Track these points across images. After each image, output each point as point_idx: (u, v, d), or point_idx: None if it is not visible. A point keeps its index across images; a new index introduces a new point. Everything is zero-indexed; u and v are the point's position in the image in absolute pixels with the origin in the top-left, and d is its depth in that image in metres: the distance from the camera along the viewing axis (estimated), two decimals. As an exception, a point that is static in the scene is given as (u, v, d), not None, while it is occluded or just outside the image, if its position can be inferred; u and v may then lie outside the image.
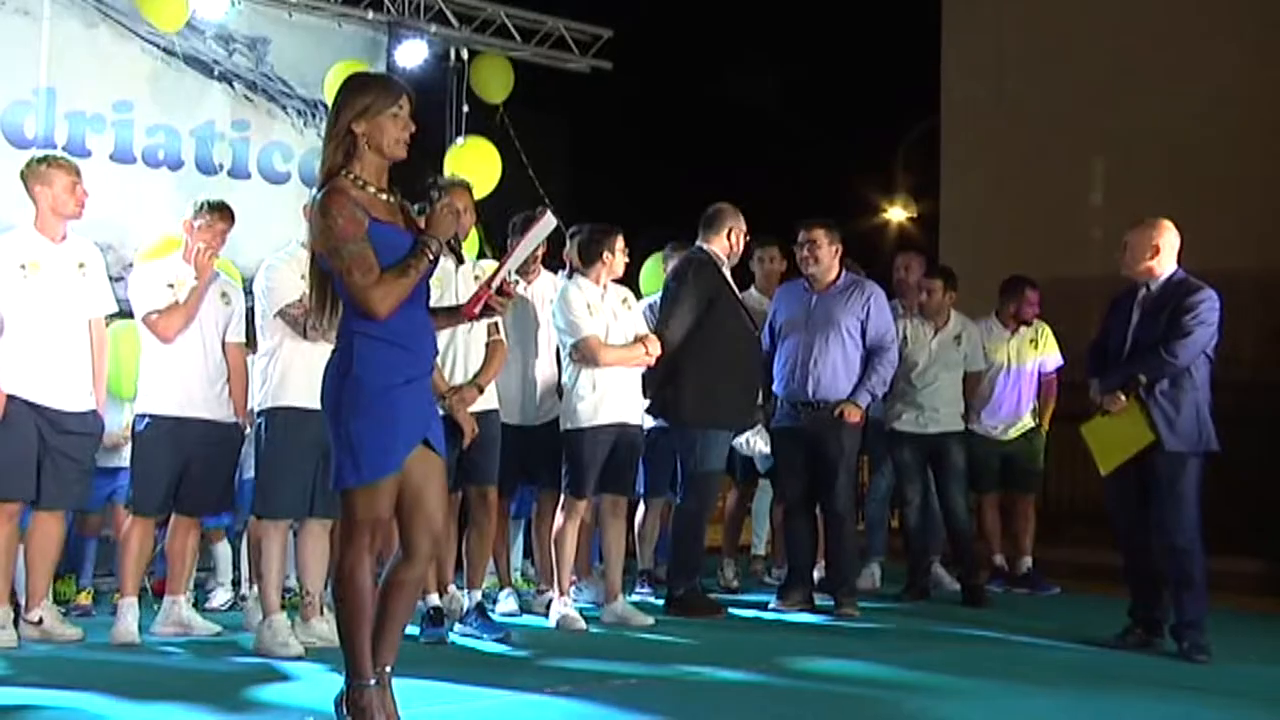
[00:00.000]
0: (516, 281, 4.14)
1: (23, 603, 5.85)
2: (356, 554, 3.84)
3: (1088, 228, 10.90)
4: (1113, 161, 11.18)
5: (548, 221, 4.47)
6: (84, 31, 8.19)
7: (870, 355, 7.13)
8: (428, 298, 4.03)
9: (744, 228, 7.10)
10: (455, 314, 4.26)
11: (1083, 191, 11.35)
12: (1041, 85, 11.42)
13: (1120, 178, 11.06)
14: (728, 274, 7.07)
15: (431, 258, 3.90)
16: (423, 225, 3.97)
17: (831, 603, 7.08)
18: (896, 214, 20.88)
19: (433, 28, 9.68)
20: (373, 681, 3.84)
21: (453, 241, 4.05)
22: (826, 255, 7.18)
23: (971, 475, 7.98)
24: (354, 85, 3.98)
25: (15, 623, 5.70)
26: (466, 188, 6.22)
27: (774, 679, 5.30)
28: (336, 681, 3.96)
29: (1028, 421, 8.34)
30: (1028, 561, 8.40)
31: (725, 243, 7.06)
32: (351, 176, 3.89)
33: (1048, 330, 8.43)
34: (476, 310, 4.05)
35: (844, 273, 7.26)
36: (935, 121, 12.97)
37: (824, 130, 17.86)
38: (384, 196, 3.94)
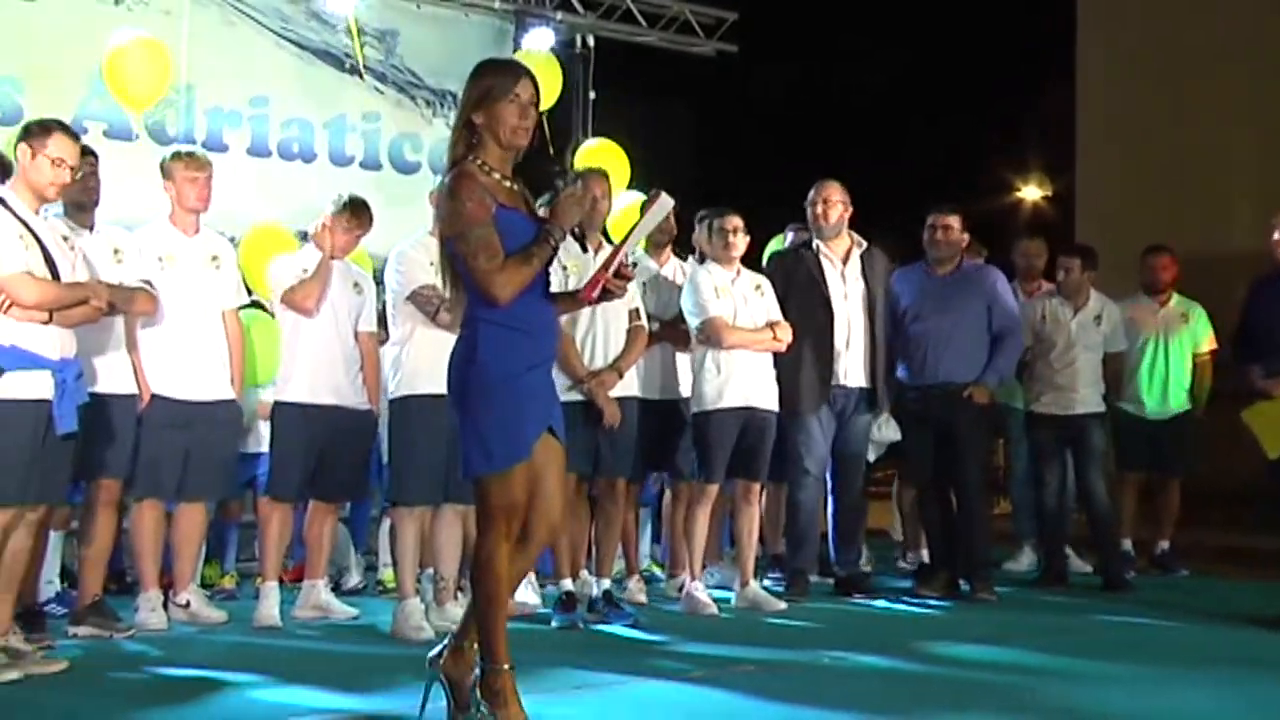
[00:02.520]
0: (634, 265, 4.11)
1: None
2: (494, 541, 3.85)
3: (1232, 202, 10.52)
4: (1261, 130, 10.74)
5: (664, 203, 4.46)
6: (222, 29, 8.41)
7: (997, 338, 7.07)
8: (548, 284, 4.04)
9: (828, 195, 6.99)
10: (574, 298, 4.26)
11: (1227, 164, 10.96)
12: (1182, 52, 11.04)
13: (1270, 147, 10.63)
14: (823, 248, 6.99)
15: (554, 246, 3.91)
16: (547, 214, 3.97)
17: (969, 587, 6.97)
18: (1030, 193, 20.44)
19: (559, 15, 9.73)
20: (508, 666, 3.87)
21: (575, 230, 4.04)
22: (956, 241, 7.13)
23: (1116, 454, 7.79)
24: (473, 75, 3.99)
25: (164, 606, 5.87)
26: (604, 176, 6.23)
27: (908, 664, 5.22)
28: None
29: (1181, 401, 8.11)
30: (1165, 544, 8.19)
31: (811, 216, 7.04)
32: (478, 162, 3.90)
33: (1200, 310, 8.19)
34: (594, 294, 4.04)
35: (964, 258, 7.20)
36: (1069, 95, 12.66)
37: (953, 109, 17.57)
38: (508, 183, 3.95)
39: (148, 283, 5.67)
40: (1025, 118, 18.42)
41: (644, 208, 5.15)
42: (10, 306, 4.65)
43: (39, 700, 4.40)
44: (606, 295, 4.06)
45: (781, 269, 7.07)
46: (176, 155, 6.06)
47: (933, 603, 6.87)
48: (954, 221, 7.14)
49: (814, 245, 7.03)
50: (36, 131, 4.89)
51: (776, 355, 6.65)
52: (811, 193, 7.06)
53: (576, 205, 3.99)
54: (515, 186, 3.98)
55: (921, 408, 7.07)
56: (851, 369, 6.95)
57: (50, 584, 6.04)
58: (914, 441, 7.18)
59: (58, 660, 4.86)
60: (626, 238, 4.20)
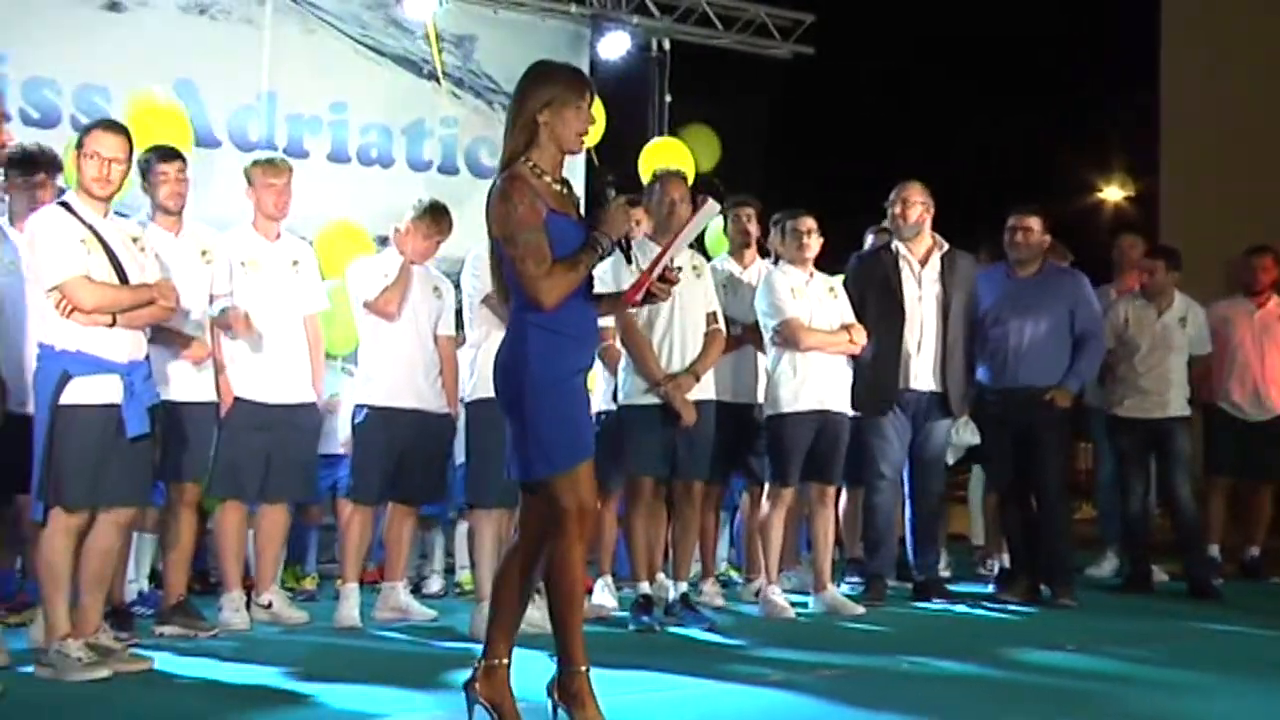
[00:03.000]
0: (679, 268, 4.12)
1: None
2: (568, 543, 3.85)
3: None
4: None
5: (710, 208, 4.49)
6: (302, 37, 8.53)
7: (1079, 342, 7.01)
8: (591, 288, 4.04)
9: (907, 195, 6.94)
10: (618, 300, 4.29)
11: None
12: (1270, 51, 10.83)
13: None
14: (902, 249, 6.93)
15: (600, 255, 3.92)
16: (596, 222, 3.98)
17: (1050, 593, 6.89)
18: (1112, 193, 20.14)
19: (634, 19, 9.75)
20: (584, 667, 3.87)
21: (623, 240, 4.05)
22: (1037, 243, 7.06)
23: (1205, 458, 7.66)
24: (542, 75, 4.00)
25: (247, 606, 5.95)
26: (682, 178, 6.24)
27: (987, 669, 5.16)
28: (546, 667, 4.01)
29: (1275, 404, 7.95)
30: (1254, 551, 8.03)
31: (891, 216, 7.01)
32: (530, 164, 3.92)
33: None
34: (638, 297, 4.05)
35: (1047, 260, 7.11)
36: (1152, 95, 12.46)
37: (1032, 108, 17.35)
38: (558, 188, 3.96)
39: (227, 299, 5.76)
40: (1106, 118, 18.15)
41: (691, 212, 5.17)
42: (72, 311, 4.72)
43: (126, 697, 4.47)
44: (650, 298, 4.09)
45: (860, 270, 7.03)
46: (257, 162, 6.16)
47: (1013, 608, 6.80)
48: (1034, 223, 7.06)
49: (893, 246, 6.98)
50: (82, 132, 4.94)
51: (851, 357, 6.61)
52: (892, 193, 7.02)
53: (624, 215, 4.00)
54: (565, 191, 3.99)
55: (1001, 411, 7.00)
56: (921, 372, 6.89)
57: (133, 583, 6.14)
58: (994, 445, 7.12)
59: (144, 658, 4.94)
60: (671, 241, 4.21)
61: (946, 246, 7.02)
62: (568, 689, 3.86)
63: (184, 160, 5.77)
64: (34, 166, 5.24)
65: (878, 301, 6.86)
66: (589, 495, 3.87)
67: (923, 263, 6.97)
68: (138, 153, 5.20)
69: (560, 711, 3.87)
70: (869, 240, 7.69)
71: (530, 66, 4.06)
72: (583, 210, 4.09)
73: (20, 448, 4.77)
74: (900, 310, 6.86)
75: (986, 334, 7.07)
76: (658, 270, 4.00)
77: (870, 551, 7.00)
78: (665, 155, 8.78)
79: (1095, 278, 7.69)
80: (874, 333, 6.71)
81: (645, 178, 8.42)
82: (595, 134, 8.59)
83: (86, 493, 4.74)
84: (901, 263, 6.94)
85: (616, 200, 4.00)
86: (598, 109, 6.62)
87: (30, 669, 4.76)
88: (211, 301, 5.79)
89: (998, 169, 16.21)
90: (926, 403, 6.90)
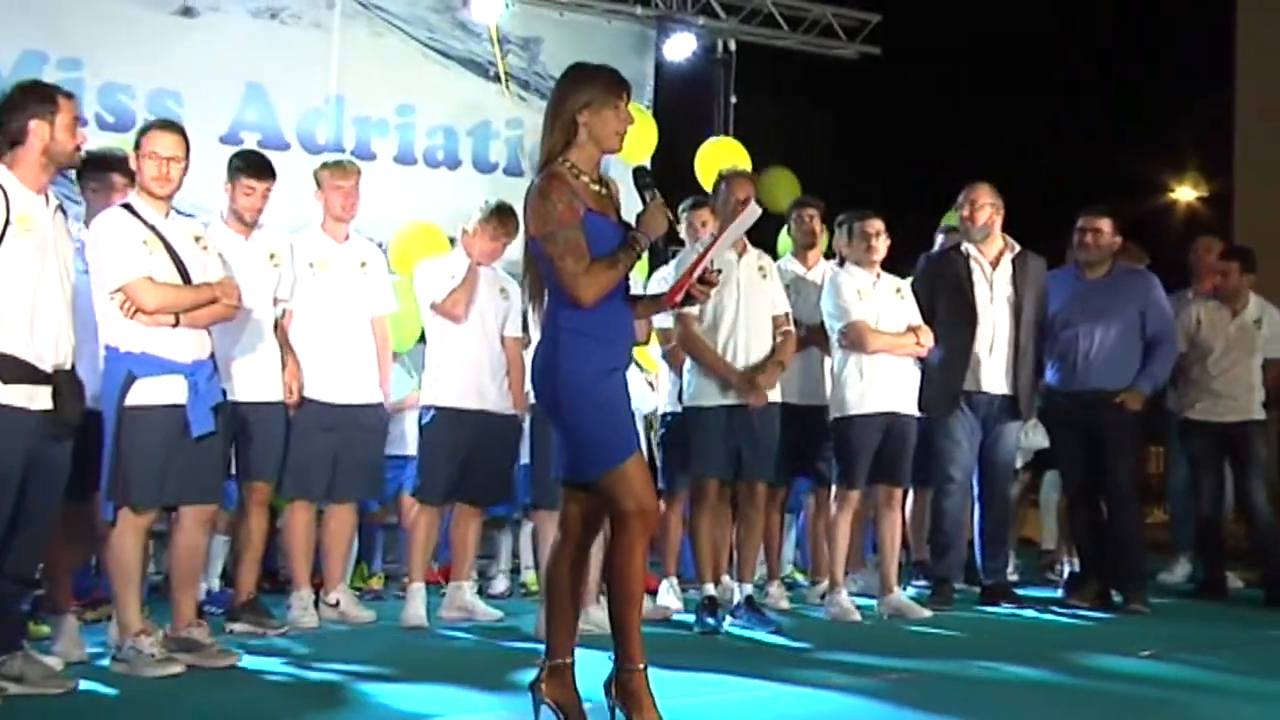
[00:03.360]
0: (718, 270, 4.12)
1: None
2: (629, 541, 3.84)
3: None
4: None
5: (752, 211, 4.51)
6: (370, 40, 8.60)
7: (1150, 344, 6.92)
8: (628, 289, 4.05)
9: (976, 198, 6.87)
10: (656, 302, 4.33)
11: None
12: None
13: None
14: (973, 251, 6.86)
15: (639, 254, 3.94)
16: (635, 223, 3.99)
17: (1122, 598, 6.80)
18: (1185, 194, 19.85)
19: (700, 20, 9.74)
20: (642, 666, 3.87)
21: (659, 242, 4.06)
22: (1107, 244, 6.98)
23: None
24: (580, 76, 4.02)
25: (315, 605, 6.01)
26: (748, 177, 6.23)
27: (1056, 675, 5.09)
28: (607, 665, 4.00)
29: None
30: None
31: (960, 219, 6.96)
32: (568, 165, 3.93)
33: None
34: (678, 298, 4.07)
35: (1117, 262, 7.03)
36: (1226, 95, 12.26)
37: (1104, 108, 17.13)
38: (596, 187, 3.97)
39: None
40: (1179, 118, 17.88)
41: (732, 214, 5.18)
42: (135, 312, 4.77)
43: (196, 693, 4.53)
44: (690, 300, 4.11)
45: (931, 271, 6.98)
46: (326, 164, 6.22)
47: (1083, 613, 6.72)
48: (1104, 224, 6.96)
49: (964, 248, 6.91)
50: (139, 133, 4.99)
51: (918, 359, 6.56)
52: (960, 195, 6.96)
53: (663, 216, 4.00)
54: (604, 191, 4.00)
55: (1070, 414, 6.93)
56: (993, 375, 6.82)
57: (202, 583, 6.21)
58: (1063, 448, 7.05)
59: (232, 653, 5.00)
60: (712, 243, 4.21)
61: (1018, 249, 6.95)
62: (626, 687, 3.85)
63: (274, 181, 5.78)
64: (107, 168, 5.32)
65: (948, 303, 6.81)
66: (645, 491, 3.87)
67: (994, 265, 6.89)
68: (230, 153, 5.22)
69: (618, 711, 3.87)
70: (939, 240, 7.63)
71: (567, 69, 4.09)
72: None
73: (95, 446, 4.84)
74: (972, 312, 6.80)
75: (1056, 337, 6.99)
76: (698, 272, 4.01)
77: (938, 555, 6.94)
78: (721, 158, 8.77)
79: (1167, 280, 7.59)
80: (944, 334, 6.65)
81: (702, 179, 8.42)
82: (651, 138, 8.60)
83: (154, 492, 4.81)
84: (973, 264, 6.87)
85: (655, 200, 4.01)
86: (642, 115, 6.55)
87: (106, 664, 4.84)
88: (275, 304, 5.84)
89: (1068, 169, 16.01)
90: (998, 406, 6.84)
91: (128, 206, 4.90)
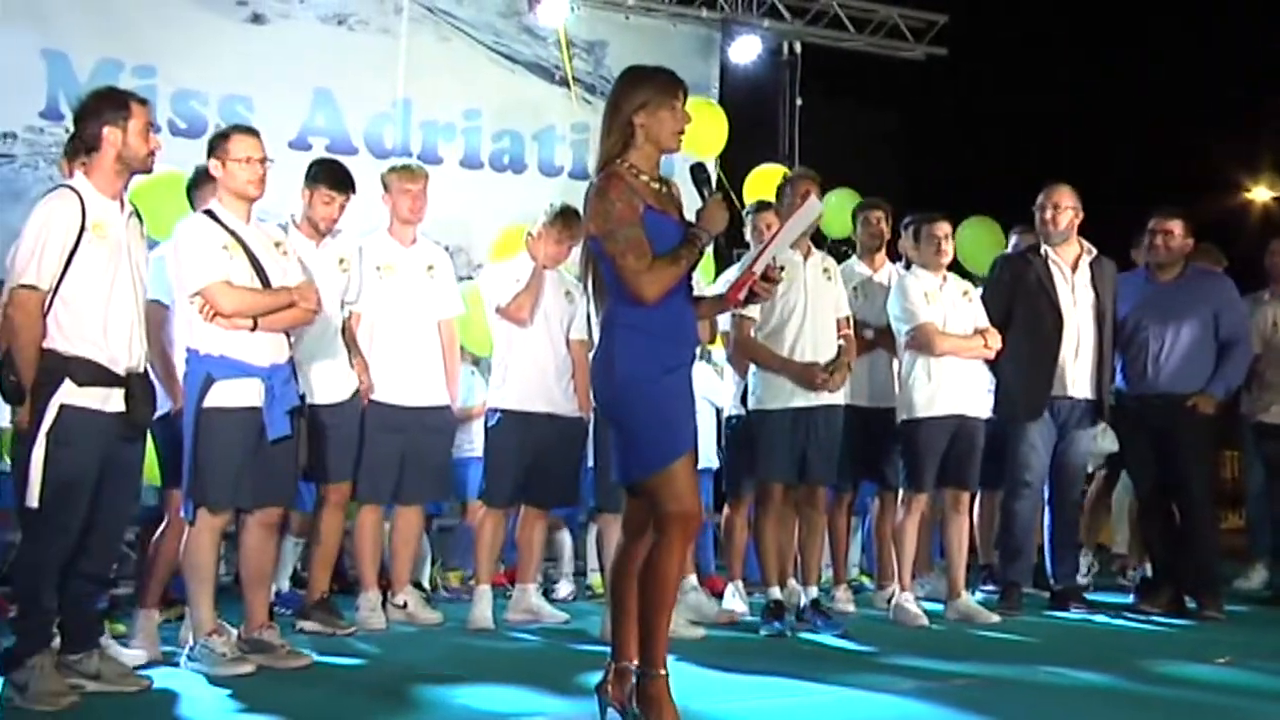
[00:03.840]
0: (781, 268, 4.09)
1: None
2: (667, 544, 3.82)
3: None
4: None
5: (811, 206, 4.46)
6: (437, 45, 8.68)
7: (1224, 347, 6.81)
8: (690, 288, 4.03)
9: (1058, 200, 6.77)
10: (720, 301, 4.33)
11: None
12: None
13: None
14: (1052, 254, 6.78)
15: (701, 250, 3.93)
16: (696, 219, 3.98)
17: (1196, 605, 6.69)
18: (1260, 194, 19.50)
19: (765, 22, 9.72)
20: (664, 672, 3.84)
21: (723, 244, 4.05)
22: (1179, 247, 6.87)
23: None
24: (636, 78, 4.03)
25: (383, 606, 6.06)
26: (812, 178, 6.21)
27: (1127, 682, 5.01)
28: (679, 672, 3.99)
29: None
30: None
31: (1039, 221, 6.84)
32: (627, 165, 3.94)
33: None
34: (740, 296, 4.05)
35: (1190, 264, 6.93)
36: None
37: (1178, 106, 16.87)
38: (656, 185, 3.97)
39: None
40: (1255, 117, 17.57)
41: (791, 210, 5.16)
42: (214, 315, 4.83)
43: (267, 693, 4.57)
44: (753, 298, 4.09)
45: (1010, 272, 6.89)
46: (393, 168, 6.28)
47: (1156, 619, 6.61)
48: (1176, 226, 6.85)
49: (1042, 251, 6.83)
50: (218, 141, 5.03)
51: (998, 361, 6.50)
52: (1040, 197, 6.86)
53: (723, 212, 3.99)
54: (664, 189, 4.00)
55: (1140, 417, 6.82)
56: (1078, 379, 6.74)
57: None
58: (1133, 452, 6.96)
59: (304, 654, 5.06)
60: (772, 240, 4.18)
61: (1095, 252, 6.86)
62: (646, 692, 3.83)
63: (352, 194, 5.84)
64: None
65: (1028, 306, 6.73)
66: (690, 496, 3.85)
67: (1073, 268, 6.82)
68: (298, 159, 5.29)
69: (611, 710, 3.88)
70: (1012, 241, 7.56)
71: (623, 71, 4.10)
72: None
73: (176, 447, 4.96)
74: (1057, 316, 6.72)
75: (1127, 340, 6.90)
76: (759, 267, 3.99)
77: (1008, 559, 6.86)
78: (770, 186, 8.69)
79: (1242, 282, 7.46)
80: (1025, 339, 6.58)
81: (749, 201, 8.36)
82: (722, 132, 8.56)
83: (230, 494, 4.87)
84: (1052, 267, 6.79)
85: (714, 196, 4.00)
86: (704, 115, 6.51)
87: (180, 663, 4.91)
88: (343, 308, 5.89)
89: (1140, 170, 15.79)
90: (1080, 410, 6.75)
91: (209, 213, 4.97)
